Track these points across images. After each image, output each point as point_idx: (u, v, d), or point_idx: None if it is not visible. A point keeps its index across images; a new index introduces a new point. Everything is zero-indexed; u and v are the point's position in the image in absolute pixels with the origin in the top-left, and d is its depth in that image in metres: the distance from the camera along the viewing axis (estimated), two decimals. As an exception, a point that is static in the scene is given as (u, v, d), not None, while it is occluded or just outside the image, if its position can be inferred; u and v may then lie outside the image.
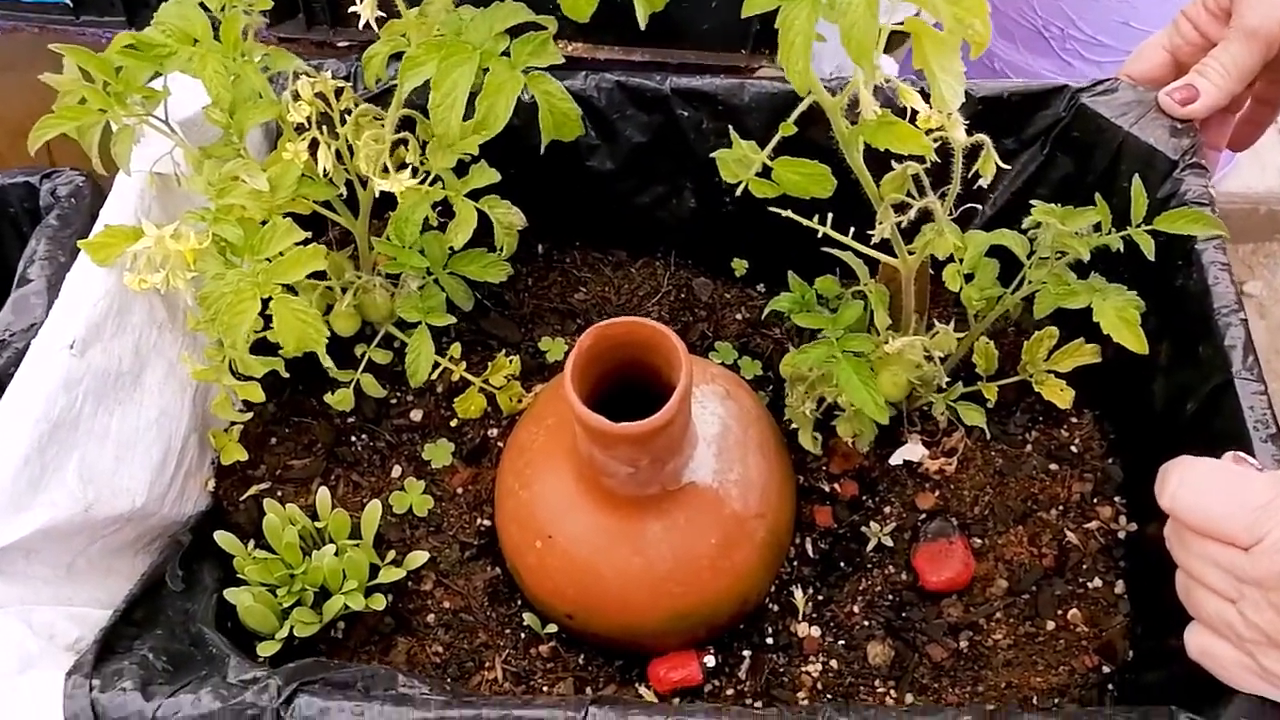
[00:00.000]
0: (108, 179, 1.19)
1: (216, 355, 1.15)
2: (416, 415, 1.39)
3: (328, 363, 1.04)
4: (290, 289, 1.10)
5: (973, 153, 1.06)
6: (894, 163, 1.09)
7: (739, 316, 1.47)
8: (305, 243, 1.04)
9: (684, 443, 1.12)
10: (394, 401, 1.40)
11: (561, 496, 1.19)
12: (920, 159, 1.04)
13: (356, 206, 1.26)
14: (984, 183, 1.05)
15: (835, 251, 1.20)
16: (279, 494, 1.34)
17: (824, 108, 1.02)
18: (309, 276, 1.16)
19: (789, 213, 1.15)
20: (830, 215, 1.14)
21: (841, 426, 1.23)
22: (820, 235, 1.14)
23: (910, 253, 1.16)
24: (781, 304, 1.18)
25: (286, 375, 1.18)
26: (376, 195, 1.19)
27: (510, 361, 1.33)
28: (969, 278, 1.20)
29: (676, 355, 1.04)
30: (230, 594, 1.18)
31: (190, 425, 1.26)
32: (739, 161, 1.00)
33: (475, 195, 1.22)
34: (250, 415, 1.31)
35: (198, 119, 1.21)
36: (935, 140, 1.03)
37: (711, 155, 1.28)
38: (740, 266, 1.48)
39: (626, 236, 1.48)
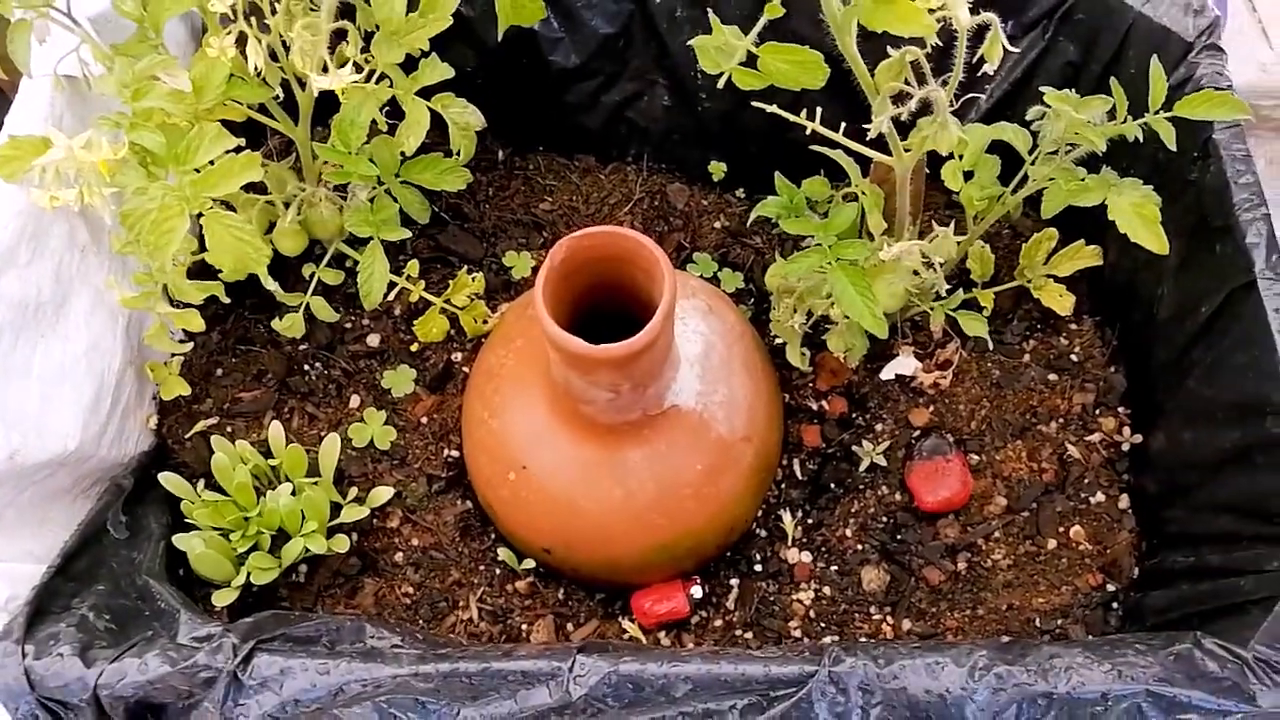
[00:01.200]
0: (10, 83, 1.06)
1: (147, 280, 1.04)
2: (374, 340, 1.29)
3: (272, 285, 0.93)
4: (226, 205, 0.99)
5: (972, 37, 0.96)
6: (890, 49, 0.99)
7: (717, 225, 1.37)
8: (238, 151, 0.93)
9: (667, 364, 1.03)
10: (349, 326, 1.29)
11: (535, 425, 1.11)
12: (921, 43, 0.94)
13: (296, 111, 1.14)
14: (989, 68, 0.95)
15: (824, 150, 1.10)
16: (228, 429, 1.24)
17: (816, -13, 0.91)
18: (246, 190, 1.05)
19: (774, 107, 1.04)
20: (819, 110, 1.04)
21: (832, 341, 1.15)
22: (808, 132, 1.04)
23: (906, 149, 1.06)
24: (768, 209, 1.09)
25: (228, 301, 1.07)
26: (316, 96, 1.06)
27: (473, 279, 1.23)
28: (968, 175, 1.11)
29: (658, 269, 0.94)
30: (180, 540, 1.09)
31: (125, 358, 1.15)
32: (720, 50, 0.89)
33: (427, 94, 1.10)
34: (191, 345, 1.20)
35: (109, 14, 1.08)
36: (936, 21, 0.92)
37: (688, 45, 1.16)
38: (718, 170, 1.38)
39: (594, 140, 1.38)
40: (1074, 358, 1.26)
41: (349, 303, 1.29)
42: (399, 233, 1.12)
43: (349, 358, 1.28)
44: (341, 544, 1.11)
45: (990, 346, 1.21)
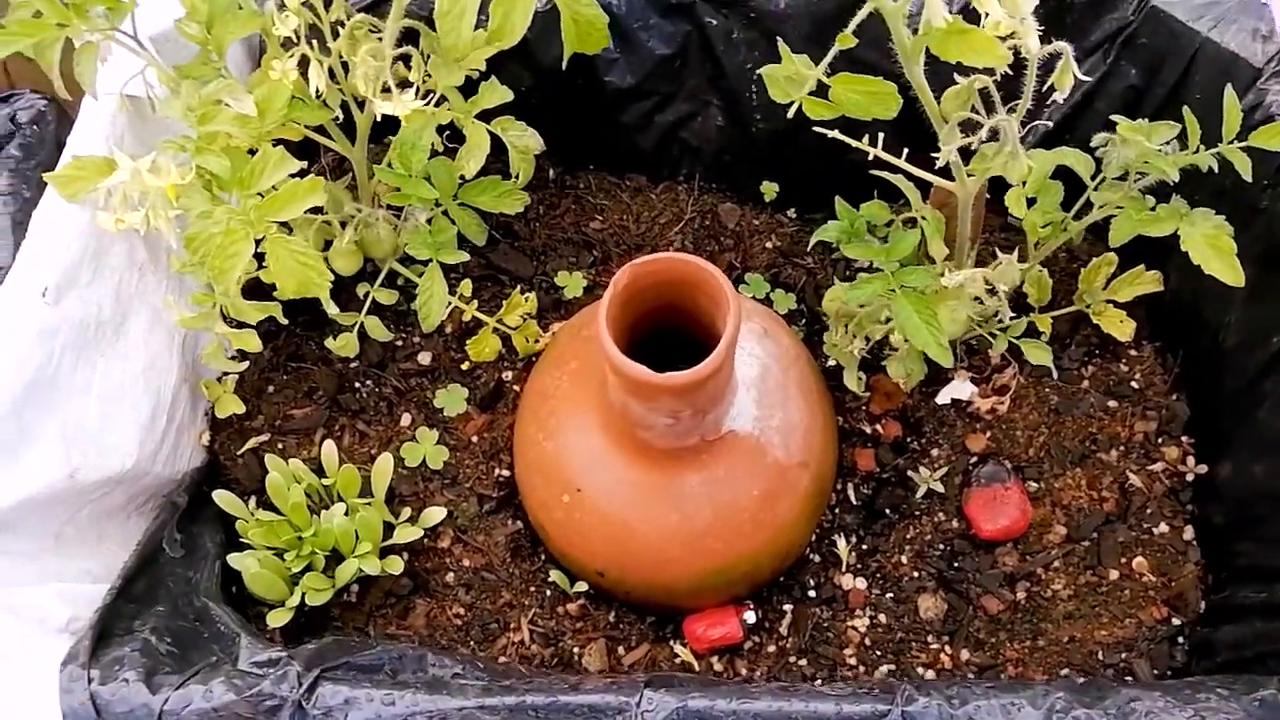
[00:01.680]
0: (73, 103, 1.06)
1: (206, 301, 1.04)
2: (425, 359, 1.28)
3: (333, 310, 0.93)
4: (285, 226, 0.99)
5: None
6: (958, 77, 0.98)
7: (768, 245, 1.36)
8: (300, 174, 0.92)
9: (726, 388, 1.02)
10: (400, 344, 1.29)
11: (590, 448, 1.10)
12: (990, 71, 0.93)
13: (354, 131, 1.14)
14: (1058, 97, 0.94)
15: (885, 175, 1.09)
16: (279, 446, 1.24)
17: (884, 14, 0.90)
18: (306, 211, 1.05)
19: (835, 133, 1.03)
20: (881, 135, 1.03)
21: (892, 367, 1.13)
22: (870, 157, 1.03)
23: (970, 175, 1.05)
24: (829, 233, 1.08)
25: (285, 321, 1.07)
26: (376, 118, 1.06)
27: (525, 299, 1.22)
28: (1030, 202, 1.10)
29: (723, 295, 0.93)
30: (235, 560, 1.09)
31: (180, 376, 1.15)
32: (790, 79, 0.88)
33: (486, 116, 1.10)
34: (246, 364, 1.20)
35: (170, 34, 1.08)
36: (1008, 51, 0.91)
37: (744, 66, 1.16)
38: (770, 191, 1.37)
39: (646, 159, 1.36)
40: (1134, 384, 1.23)
41: (400, 321, 1.29)
42: (458, 256, 1.12)
43: (400, 376, 1.27)
44: (395, 565, 1.11)
45: (1055, 375, 1.19)
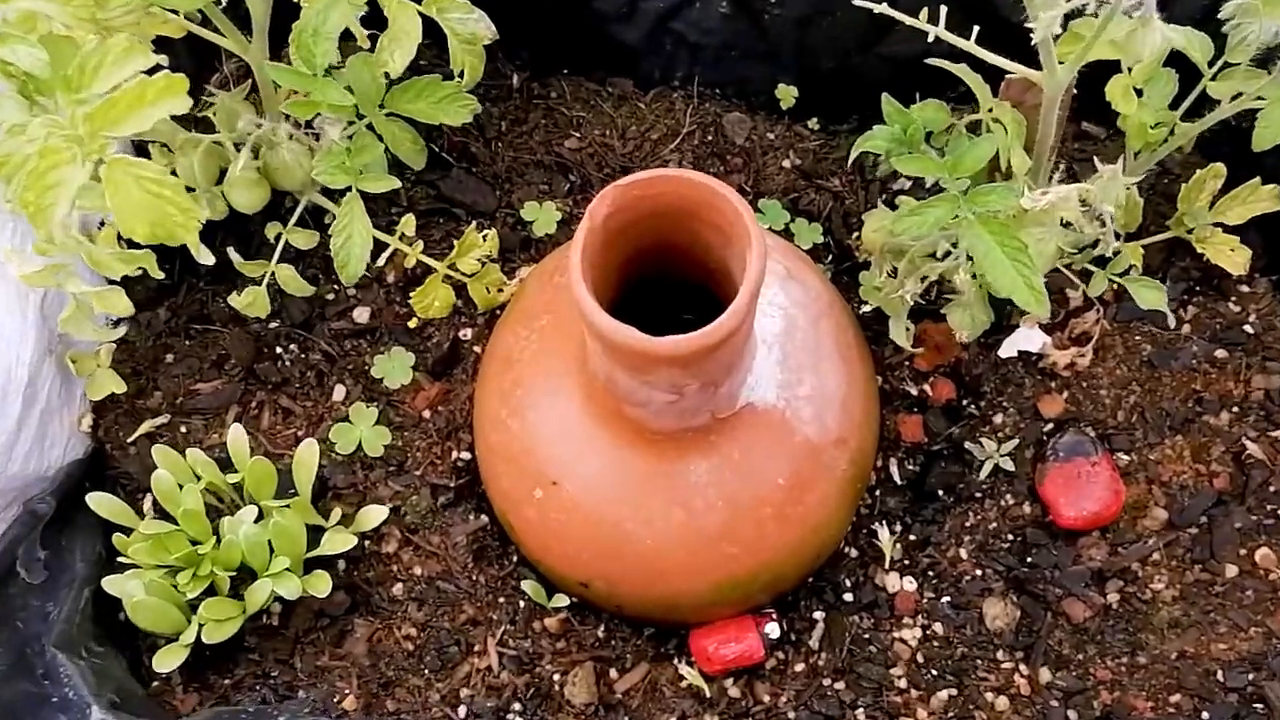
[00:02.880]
0: None
1: (51, 249, 0.78)
2: (362, 315, 1.04)
3: (207, 257, 0.68)
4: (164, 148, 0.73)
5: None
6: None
7: (786, 164, 1.12)
8: (153, 72, 0.66)
9: (744, 353, 0.77)
10: (330, 298, 1.05)
11: (567, 428, 0.87)
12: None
13: (250, 22, 0.87)
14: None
15: (943, 64, 0.84)
16: (183, 430, 1.01)
17: None
18: (186, 125, 0.79)
19: (884, 7, 0.77)
20: (943, 10, 0.77)
21: (954, 316, 0.89)
22: (931, 38, 0.78)
23: (1060, 62, 0.79)
24: (875, 142, 0.82)
25: (161, 275, 0.81)
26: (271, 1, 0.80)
27: (484, 237, 0.98)
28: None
29: (741, 226, 0.68)
30: (111, 584, 0.85)
31: (41, 346, 0.91)
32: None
33: (418, -4, 0.84)
34: (122, 331, 0.95)
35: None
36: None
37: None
38: (787, 96, 1.12)
39: (632, 59, 1.12)
40: (1248, 329, 1.01)
41: (329, 270, 1.04)
42: (386, 182, 0.86)
43: (331, 338, 1.04)
44: (321, 583, 0.88)
45: (1171, 321, 0.95)
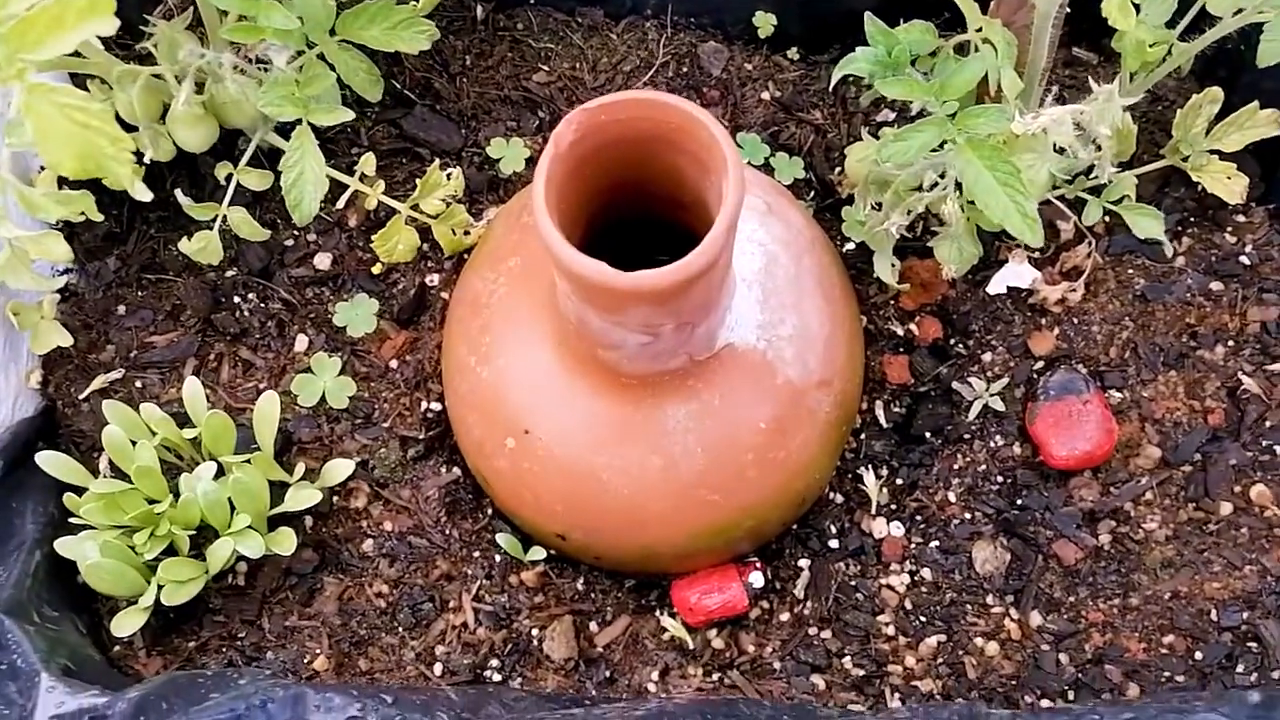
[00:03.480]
0: None
1: (-18, 191, 0.73)
2: (323, 261, 0.99)
3: (141, 192, 0.63)
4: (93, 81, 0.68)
5: None
6: None
7: (765, 96, 1.07)
8: (81, -5, 0.61)
9: (721, 290, 0.73)
10: (290, 244, 1.00)
11: (538, 375, 0.83)
12: None
13: (190, -53, 0.81)
14: None
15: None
16: (138, 385, 0.96)
17: None
18: (125, 59, 0.74)
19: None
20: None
21: (942, 249, 0.85)
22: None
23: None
24: (857, 64, 0.78)
25: (104, 218, 0.76)
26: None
27: (448, 177, 0.93)
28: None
29: (717, 151, 0.64)
30: (64, 546, 0.80)
31: (-21, 298, 0.85)
32: None
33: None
34: (64, 280, 0.90)
35: None
36: None
37: None
38: (765, 24, 1.07)
39: (601, -15, 1.06)
40: (1244, 260, 0.97)
41: (288, 214, 0.98)
42: (339, 114, 0.81)
43: (292, 285, 0.99)
44: (286, 540, 0.84)
45: (1169, 252, 0.91)
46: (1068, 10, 0.87)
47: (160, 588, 0.80)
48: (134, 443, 0.83)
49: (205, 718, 0.59)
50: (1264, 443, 0.91)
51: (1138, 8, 0.80)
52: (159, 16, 0.94)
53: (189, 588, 0.81)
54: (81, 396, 0.95)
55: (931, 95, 0.75)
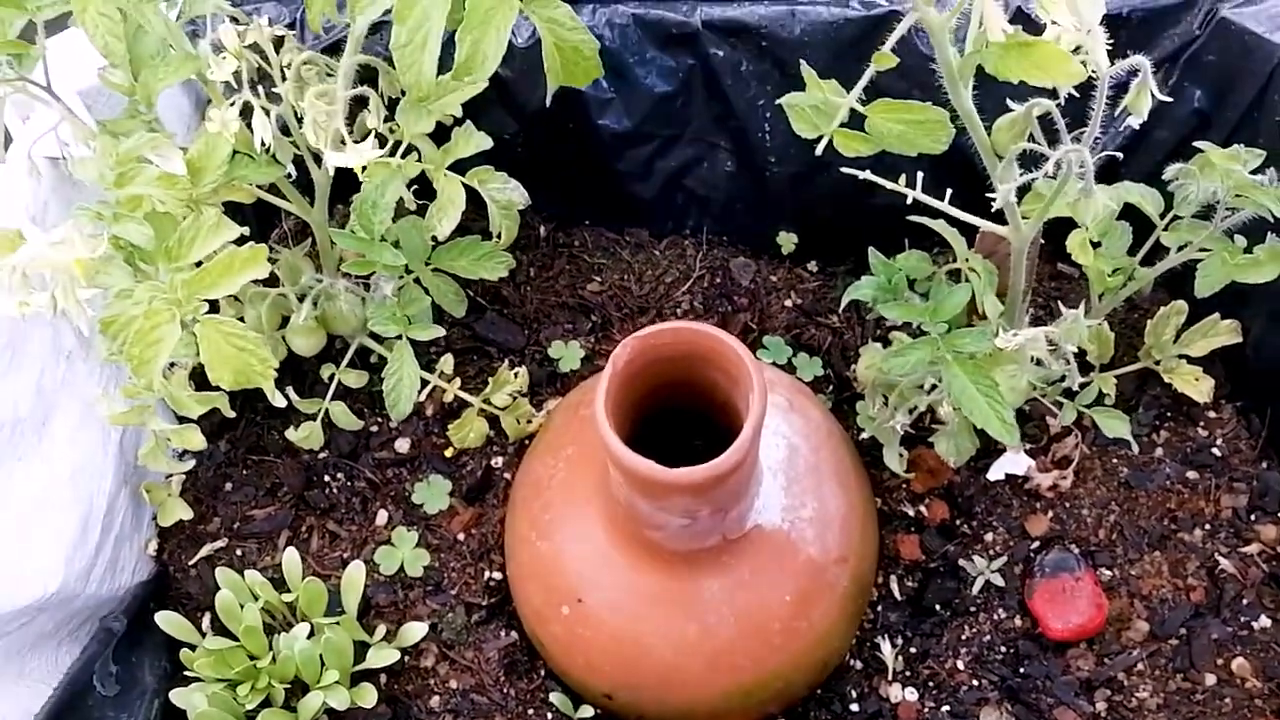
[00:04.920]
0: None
1: (138, 393, 0.89)
2: (403, 446, 1.13)
3: (280, 400, 0.78)
4: (234, 302, 0.84)
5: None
6: (1011, 103, 0.83)
7: (788, 303, 1.21)
8: (241, 242, 0.78)
9: (751, 482, 0.86)
10: (374, 430, 1.14)
11: (592, 551, 0.94)
12: (1052, 94, 0.78)
13: (313, 190, 0.99)
14: (1135, 122, 0.79)
15: (925, 221, 0.95)
16: (238, 553, 1.08)
17: (929, 28, 0.75)
18: (255, 283, 0.90)
19: (868, 174, 0.89)
20: (920, 175, 0.89)
21: (941, 444, 0.98)
22: (909, 200, 0.89)
23: (1025, 218, 0.90)
24: (863, 291, 0.93)
25: (233, 414, 0.91)
26: (334, 174, 0.92)
27: (515, 375, 1.07)
28: (1095, 246, 0.95)
29: (744, 370, 0.78)
30: (178, 696, 0.92)
31: (118, 479, 1.00)
32: (817, 110, 0.74)
33: (461, 168, 0.95)
34: (192, 464, 1.04)
35: (101, 87, 0.94)
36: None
37: (755, 103, 1.02)
38: (787, 242, 1.22)
39: (647, 212, 1.22)
40: (1216, 451, 1.08)
41: (374, 404, 1.14)
42: (431, 331, 0.96)
43: (375, 467, 1.12)
44: (367, 695, 0.95)
45: (1135, 448, 1.03)
46: (1042, 242, 1.02)
47: (258, 736, 0.91)
48: (241, 606, 0.95)
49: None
50: (1242, 619, 1.00)
51: (1099, 244, 0.95)
52: (276, 240, 1.12)
53: (281, 737, 0.92)
54: (190, 563, 1.07)
55: (925, 317, 0.90)
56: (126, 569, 1.03)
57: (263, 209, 1.05)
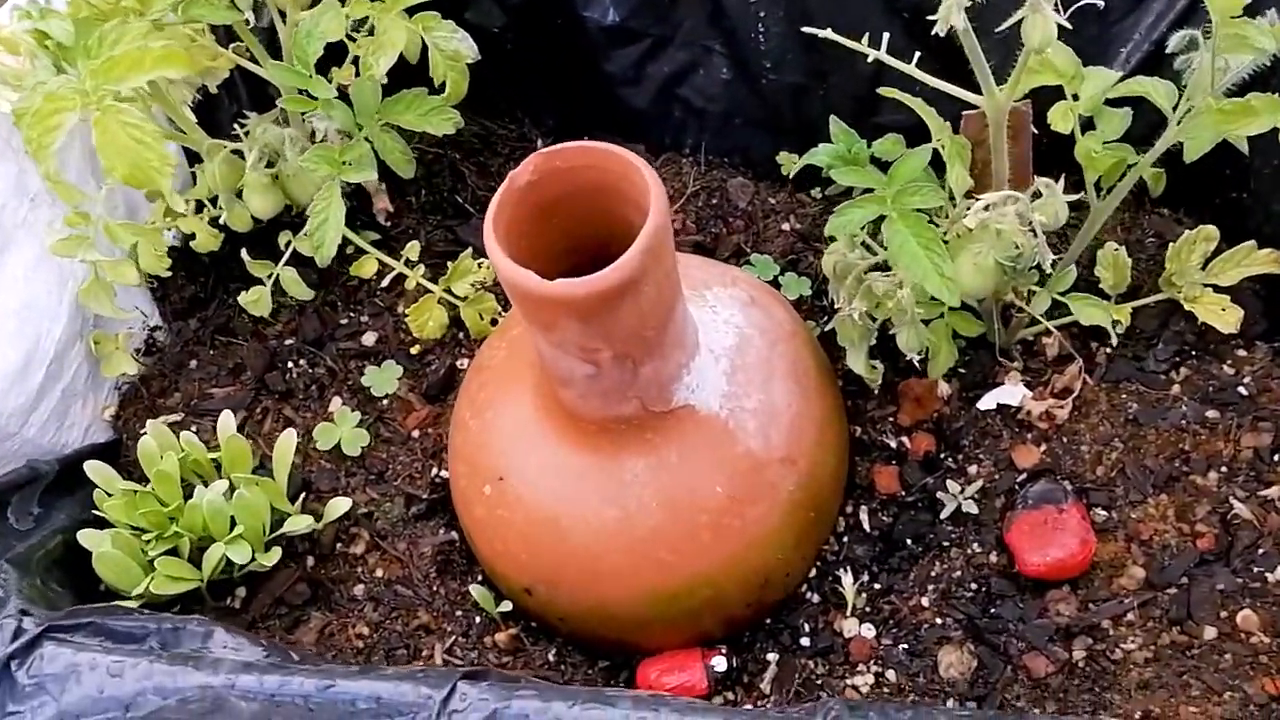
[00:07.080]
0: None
1: (80, 221, 0.89)
2: (369, 339, 1.11)
3: (179, 204, 0.76)
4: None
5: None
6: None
7: (785, 227, 1.15)
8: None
9: (664, 332, 0.80)
10: (344, 322, 1.12)
11: (516, 425, 0.90)
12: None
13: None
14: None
15: (897, 94, 0.88)
16: (193, 428, 1.07)
17: None
18: (212, 136, 0.90)
19: (829, 32, 0.83)
20: (885, 36, 0.82)
21: (902, 336, 0.89)
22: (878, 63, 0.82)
23: (1002, 88, 0.82)
24: (818, 156, 0.86)
25: (169, 262, 0.91)
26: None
27: (479, 265, 1.03)
28: (1087, 127, 0.85)
29: (644, 186, 0.72)
30: (86, 537, 0.90)
31: (71, 329, 1.00)
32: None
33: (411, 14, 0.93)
34: (135, 313, 1.04)
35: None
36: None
37: (752, 4, 0.97)
38: (789, 163, 1.15)
39: (643, 123, 1.18)
40: (1243, 390, 0.96)
41: (349, 297, 1.12)
42: (366, 173, 0.93)
43: (338, 356, 1.10)
44: (273, 557, 0.90)
45: (1113, 341, 0.92)
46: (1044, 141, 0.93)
47: (151, 579, 0.88)
48: (162, 456, 0.93)
49: (118, 624, 0.65)
50: (1255, 569, 0.87)
51: (1093, 124, 0.85)
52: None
53: (177, 585, 0.88)
54: (142, 431, 1.07)
55: (880, 184, 0.82)
56: (77, 427, 1.03)
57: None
